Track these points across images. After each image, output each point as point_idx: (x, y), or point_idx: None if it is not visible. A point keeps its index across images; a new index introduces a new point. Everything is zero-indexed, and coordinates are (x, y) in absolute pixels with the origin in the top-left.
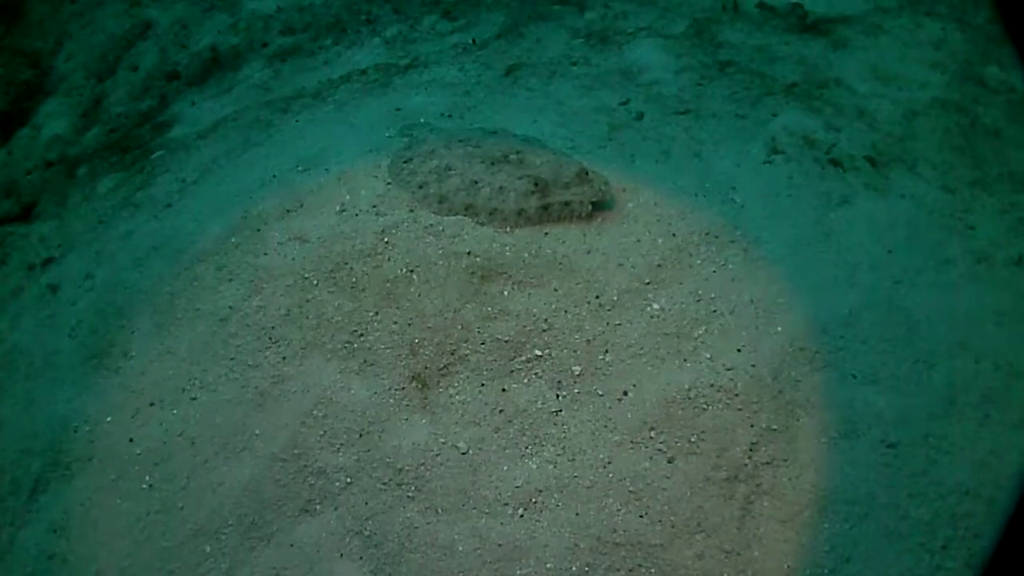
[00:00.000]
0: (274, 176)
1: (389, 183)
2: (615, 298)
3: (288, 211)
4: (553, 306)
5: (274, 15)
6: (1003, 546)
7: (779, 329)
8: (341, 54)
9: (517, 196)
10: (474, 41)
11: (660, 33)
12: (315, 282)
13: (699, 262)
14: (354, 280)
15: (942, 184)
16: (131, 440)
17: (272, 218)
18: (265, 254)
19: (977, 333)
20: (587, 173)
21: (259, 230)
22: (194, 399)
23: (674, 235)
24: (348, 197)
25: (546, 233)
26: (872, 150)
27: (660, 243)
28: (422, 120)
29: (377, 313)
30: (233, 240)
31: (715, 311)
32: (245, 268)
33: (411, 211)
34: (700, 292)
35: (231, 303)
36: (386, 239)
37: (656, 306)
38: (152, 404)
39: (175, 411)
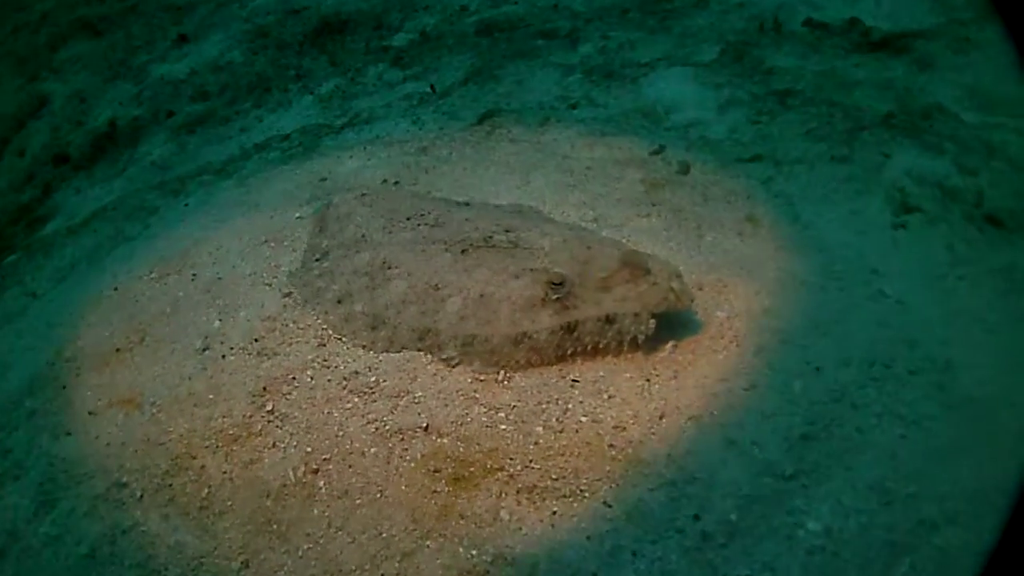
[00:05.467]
0: (115, 289)
1: (288, 295)
2: (732, 517)
3: (118, 350)
4: (608, 543)
5: (185, 79)
6: (1003, 546)
7: None
8: (262, 118)
9: (515, 311)
10: (433, 88)
11: (685, 62)
12: (138, 493)
13: (873, 421)
14: (207, 491)
15: None
16: None
17: (89, 365)
18: (68, 434)
19: None
20: (641, 260)
21: (65, 388)
22: None
23: (818, 369)
24: (217, 323)
25: (574, 381)
26: None
27: (797, 388)
28: (354, 191)
29: (247, 563)
30: (28, 405)
31: (923, 522)
32: (37, 459)
33: (320, 346)
34: (890, 485)
35: (11, 524)
36: (269, 406)
37: (815, 526)
38: None
39: None
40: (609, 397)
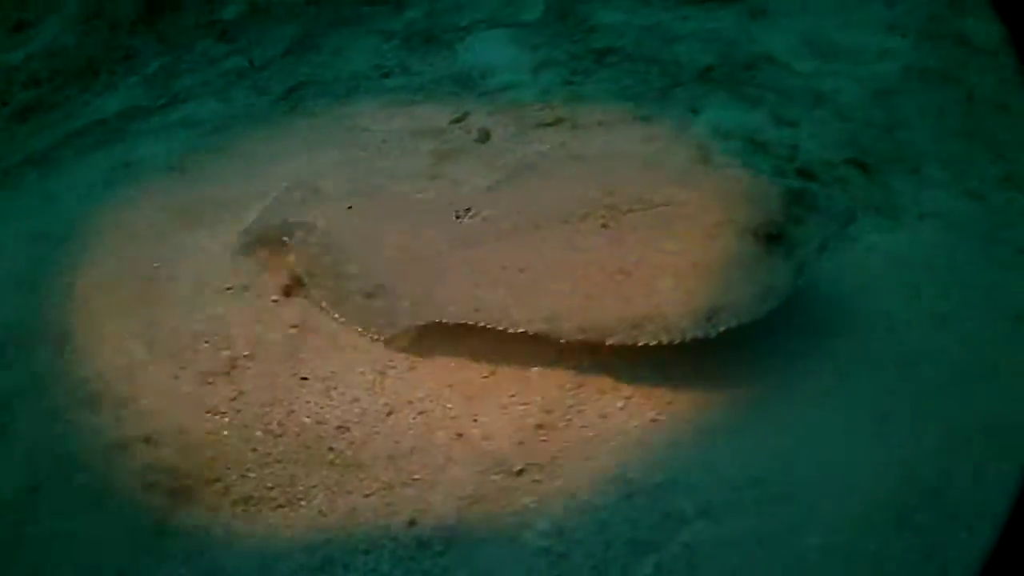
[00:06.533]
0: None
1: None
2: (451, 521)
3: None
4: (319, 556)
5: (20, 66)
6: (1003, 546)
7: None
8: (89, 103)
9: (743, 270)
10: (251, 63)
11: (506, 23)
12: None
13: (620, 405)
14: None
15: (964, 190)
16: None
17: None
18: None
19: None
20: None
21: None
22: None
23: (561, 352)
24: None
25: (303, 379)
26: (854, 150)
27: (535, 375)
28: (143, 178)
29: None
30: None
31: (669, 516)
32: None
33: (57, 355)
34: (634, 475)
35: None
36: None
37: (544, 526)
38: None
39: None
40: (339, 395)
